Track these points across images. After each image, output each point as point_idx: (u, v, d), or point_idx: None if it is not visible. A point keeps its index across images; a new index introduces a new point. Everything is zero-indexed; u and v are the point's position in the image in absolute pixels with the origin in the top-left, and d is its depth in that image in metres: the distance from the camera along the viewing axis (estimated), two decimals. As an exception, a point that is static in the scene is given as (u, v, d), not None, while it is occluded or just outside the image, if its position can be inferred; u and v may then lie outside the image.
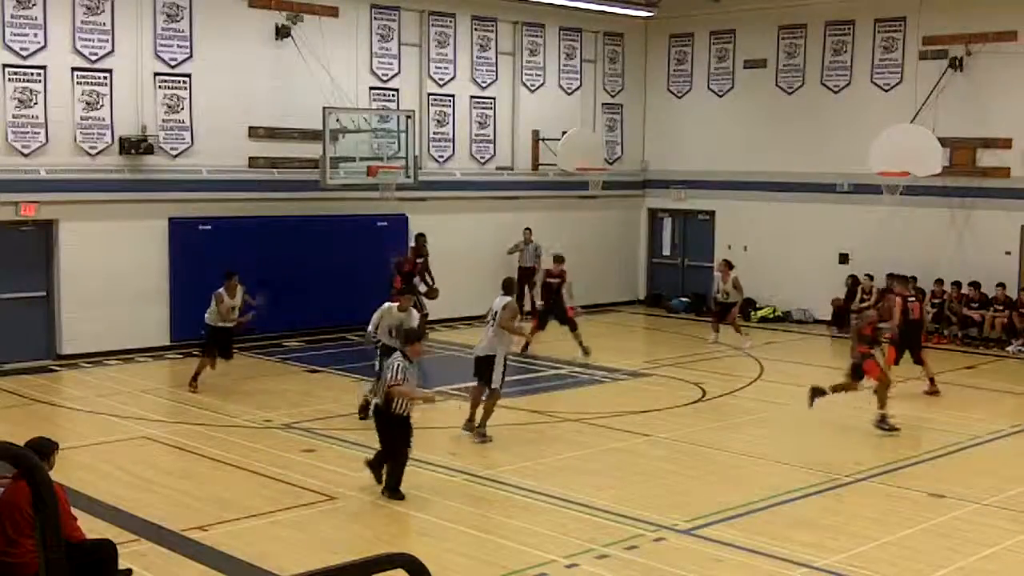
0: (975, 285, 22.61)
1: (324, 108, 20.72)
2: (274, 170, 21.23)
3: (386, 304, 14.83)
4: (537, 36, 25.71)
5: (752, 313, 24.94)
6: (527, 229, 24.42)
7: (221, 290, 16.70)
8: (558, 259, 20.80)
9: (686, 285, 27.19)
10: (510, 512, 11.21)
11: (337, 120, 21.11)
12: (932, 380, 17.12)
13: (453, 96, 24.27)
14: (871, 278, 23.57)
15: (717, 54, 26.79)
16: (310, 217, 21.74)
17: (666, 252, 28.10)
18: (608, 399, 16.91)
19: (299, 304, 21.09)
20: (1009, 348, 21.75)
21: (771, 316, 25.01)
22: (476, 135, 24.76)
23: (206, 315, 16.74)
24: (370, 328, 14.62)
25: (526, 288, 23.07)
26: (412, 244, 22.15)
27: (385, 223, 22.80)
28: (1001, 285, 22.41)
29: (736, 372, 19.11)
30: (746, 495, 11.69)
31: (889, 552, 10.03)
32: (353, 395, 15.78)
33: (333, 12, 22.02)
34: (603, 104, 27.26)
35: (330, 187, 21.01)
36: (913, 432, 14.67)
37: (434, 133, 24.00)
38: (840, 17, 24.71)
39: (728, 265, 22.01)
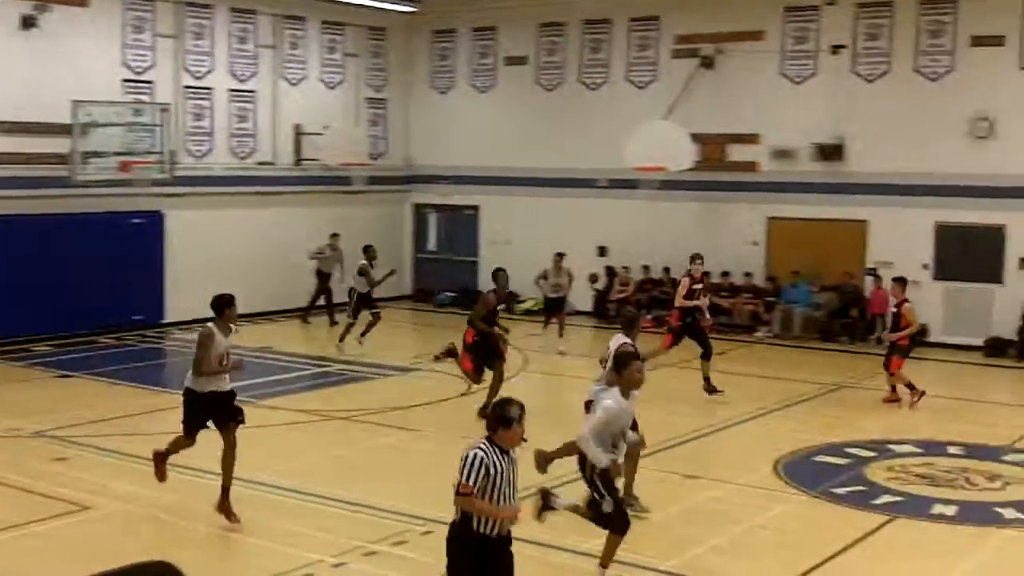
0: (726, 274, 23.68)
1: (73, 101, 19.80)
2: (19, 166, 20.10)
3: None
4: (298, 29, 25.30)
5: (516, 306, 25.30)
6: (335, 235, 23.95)
7: None
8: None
9: (452, 280, 27.33)
10: (274, 514, 10.95)
11: (88, 114, 20.22)
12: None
13: (211, 89, 23.60)
14: (628, 270, 24.38)
15: (479, 51, 27.04)
16: (59, 215, 20.69)
17: (432, 247, 28.20)
18: (375, 396, 16.81)
19: (48, 306, 20.06)
20: (757, 334, 22.88)
21: (535, 308, 25.41)
22: (236, 129, 24.16)
23: None
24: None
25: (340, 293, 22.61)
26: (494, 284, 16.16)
27: (139, 220, 21.96)
28: (749, 274, 23.57)
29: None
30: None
31: (650, 532, 10.30)
32: (106, 399, 15.11)
33: (83, 1, 21.05)
34: (367, 99, 27.08)
35: (79, 183, 20.09)
36: (669, 417, 15.16)
37: (191, 127, 23.27)
38: (597, 16, 25.35)
39: (560, 256, 21.78)
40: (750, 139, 23.63)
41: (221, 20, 23.66)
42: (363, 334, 20.24)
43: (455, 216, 27.75)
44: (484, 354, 15.27)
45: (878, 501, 11.33)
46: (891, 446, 13.69)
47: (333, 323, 22.85)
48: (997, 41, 21.19)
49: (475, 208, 27.21)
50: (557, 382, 18.64)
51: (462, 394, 16.27)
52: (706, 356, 16.59)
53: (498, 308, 15.71)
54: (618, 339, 10.95)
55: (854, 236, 22.64)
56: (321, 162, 24.98)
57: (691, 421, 14.92)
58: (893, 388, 16.48)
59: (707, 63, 23.78)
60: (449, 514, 7.04)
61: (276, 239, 24.36)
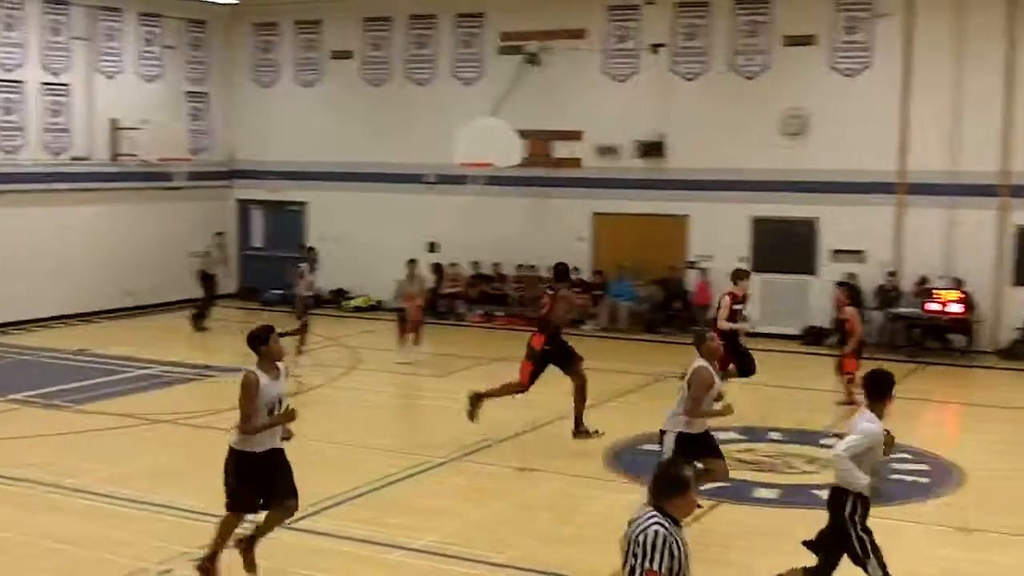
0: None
1: None
2: None
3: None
4: (115, 21, 24.46)
5: (346, 303, 25.08)
6: (219, 233, 23.08)
7: None
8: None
9: (279, 277, 26.83)
10: (97, 521, 10.58)
11: None
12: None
13: (22, 83, 22.64)
14: (456, 266, 24.45)
15: (303, 44, 26.66)
16: None
17: (258, 244, 27.67)
18: (201, 397, 16.42)
19: None
20: (585, 327, 23.21)
21: (365, 306, 25.25)
22: (49, 124, 23.23)
23: None
24: None
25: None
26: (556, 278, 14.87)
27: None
28: (576, 269, 23.88)
29: (331, 363, 19.13)
30: (345, 483, 11.71)
31: (481, 527, 10.37)
32: None
33: None
34: (187, 93, 26.39)
35: None
36: (501, 411, 15.23)
37: (1, 122, 22.27)
38: (423, 11, 25.30)
39: (412, 263, 20.41)
40: (575, 136, 23.95)
41: (33, 11, 22.73)
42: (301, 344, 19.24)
43: (281, 212, 27.30)
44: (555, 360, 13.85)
45: (703, 487, 11.62)
46: (715, 433, 14.07)
47: (202, 329, 22.13)
48: (809, 41, 22.05)
49: (302, 204, 26.83)
50: (388, 380, 18.55)
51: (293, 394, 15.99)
52: (746, 374, 15.42)
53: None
54: (696, 361, 10.22)
55: (675, 231, 23.22)
56: (139, 158, 24.23)
57: (523, 414, 15.02)
58: (850, 392, 15.43)
59: (532, 60, 24.00)
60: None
61: (93, 237, 23.53)
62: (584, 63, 23.71)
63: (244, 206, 27.76)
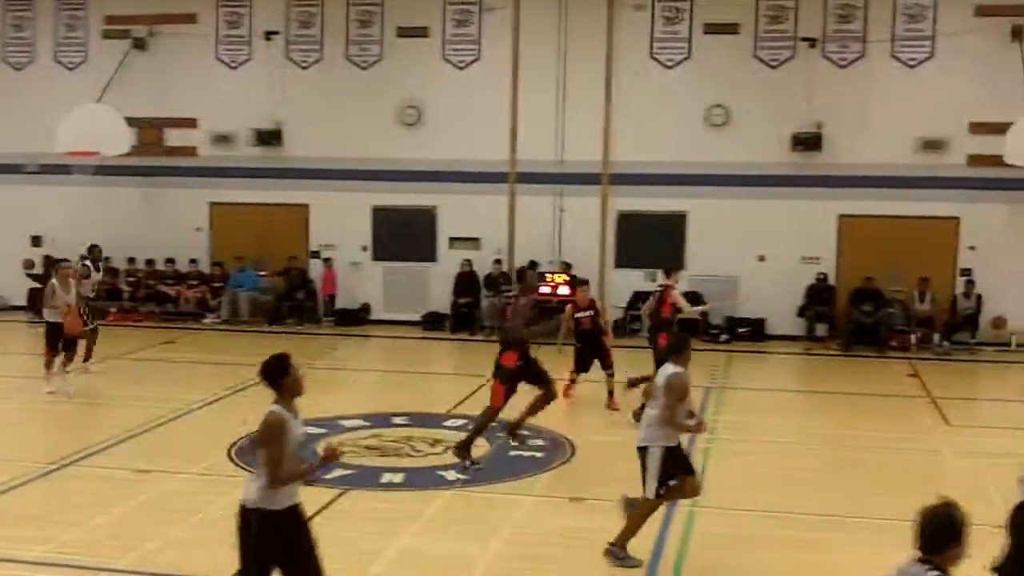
0: (171, 261, 23.21)
1: None
2: None
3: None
4: None
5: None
6: None
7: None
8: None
9: None
10: None
11: None
12: None
13: None
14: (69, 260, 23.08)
15: None
16: None
17: None
18: None
19: None
20: (205, 320, 22.64)
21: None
22: None
23: None
24: None
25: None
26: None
27: None
28: (194, 261, 23.26)
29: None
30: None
31: (102, 532, 9.88)
32: None
33: None
34: None
35: None
36: (115, 410, 14.58)
37: None
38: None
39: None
40: (188, 123, 23.29)
41: None
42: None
43: None
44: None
45: (331, 476, 11.63)
46: (341, 421, 14.12)
47: None
48: (422, 32, 22.53)
49: None
50: None
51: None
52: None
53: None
54: (668, 368, 9.16)
55: (296, 220, 23.10)
56: None
57: (139, 414, 14.40)
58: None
59: (140, 45, 23.11)
60: None
61: None
62: (197, 49, 23.07)
63: None
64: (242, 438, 12.69)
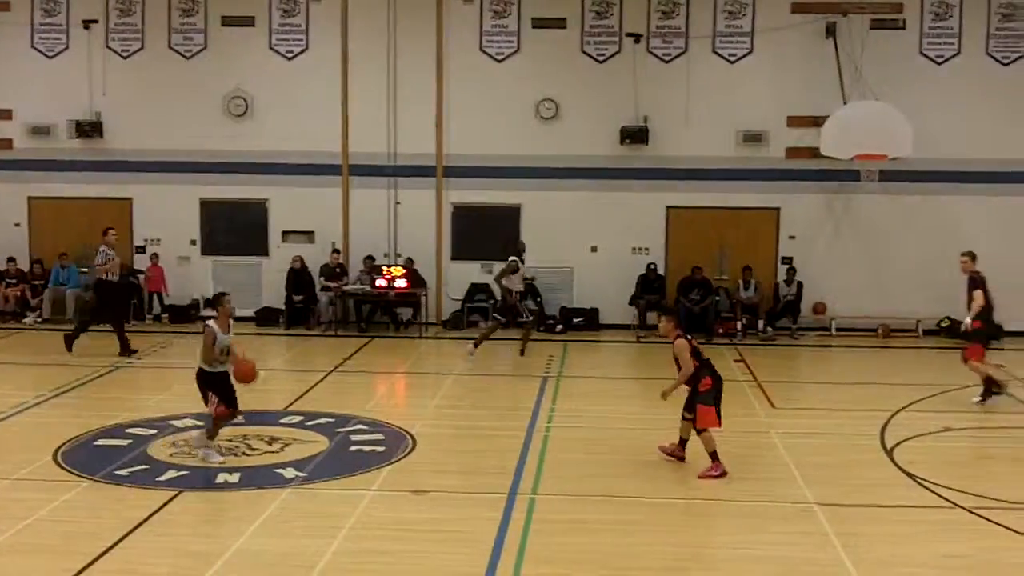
0: (-13, 260, 22.26)
1: None
2: None
3: None
4: None
5: None
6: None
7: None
8: None
9: None
10: None
11: None
12: None
13: None
14: None
15: None
16: None
17: None
18: None
19: None
20: (26, 320, 21.83)
21: None
22: None
23: None
24: None
25: None
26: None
27: None
28: (13, 259, 22.37)
29: None
30: None
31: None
32: None
33: None
34: None
35: None
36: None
37: None
38: None
39: None
40: (3, 115, 22.42)
41: None
42: None
43: None
44: None
45: (163, 478, 11.35)
46: (172, 422, 13.77)
47: None
48: (248, 21, 22.13)
49: None
50: None
51: None
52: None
53: None
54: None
55: (120, 214, 22.40)
56: None
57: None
58: None
59: (-52, 32, 22.07)
60: None
61: None
62: (10, 38, 22.15)
63: None
64: (69, 440, 12.25)
